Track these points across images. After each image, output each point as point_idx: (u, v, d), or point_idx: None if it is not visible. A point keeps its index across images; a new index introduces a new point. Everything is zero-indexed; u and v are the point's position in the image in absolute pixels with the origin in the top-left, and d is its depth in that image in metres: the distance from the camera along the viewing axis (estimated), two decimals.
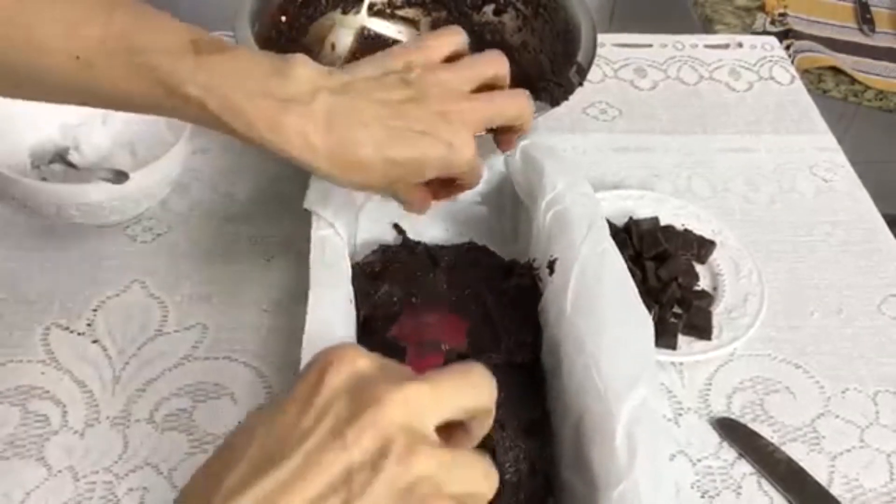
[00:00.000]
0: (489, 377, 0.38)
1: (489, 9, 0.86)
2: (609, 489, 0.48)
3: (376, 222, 0.69)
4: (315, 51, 0.86)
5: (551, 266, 0.61)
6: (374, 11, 0.88)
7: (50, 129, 0.74)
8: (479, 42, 0.87)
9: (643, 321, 0.56)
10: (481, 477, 0.36)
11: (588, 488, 0.50)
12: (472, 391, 0.37)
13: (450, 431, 0.37)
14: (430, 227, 0.71)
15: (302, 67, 0.50)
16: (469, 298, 0.65)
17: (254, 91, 0.49)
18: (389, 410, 0.33)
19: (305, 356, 0.54)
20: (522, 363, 0.61)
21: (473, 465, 0.36)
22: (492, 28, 0.87)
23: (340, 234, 0.62)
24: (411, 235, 0.70)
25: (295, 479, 0.32)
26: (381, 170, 0.51)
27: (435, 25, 0.88)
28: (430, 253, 0.68)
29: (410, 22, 0.89)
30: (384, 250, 0.68)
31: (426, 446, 0.34)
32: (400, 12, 0.88)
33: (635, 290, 0.58)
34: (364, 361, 0.36)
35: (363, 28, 0.89)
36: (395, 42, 0.89)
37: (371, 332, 0.61)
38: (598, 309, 0.56)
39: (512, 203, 0.69)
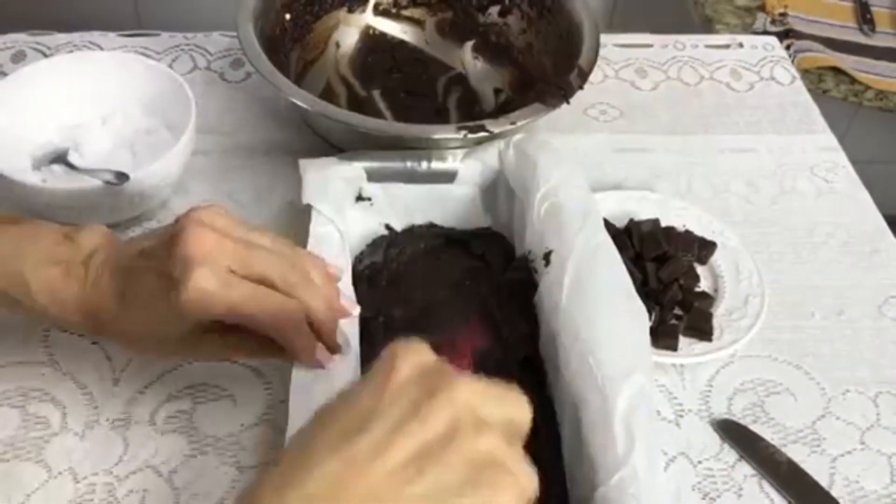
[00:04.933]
0: (526, 399, 0.40)
1: (494, 10, 0.86)
2: (608, 476, 0.49)
3: (370, 217, 0.70)
4: (319, 49, 0.86)
5: (547, 258, 0.61)
6: (379, 10, 0.88)
7: (50, 130, 0.74)
8: (485, 43, 0.87)
9: (638, 311, 0.57)
10: (528, 473, 0.39)
11: (587, 475, 0.51)
12: (515, 403, 0.40)
13: None
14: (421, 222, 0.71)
15: (89, 234, 0.52)
16: (467, 292, 0.66)
17: (39, 259, 0.51)
18: (459, 394, 0.37)
19: None
20: (525, 357, 0.61)
21: (523, 460, 0.39)
22: (497, 29, 0.87)
23: (340, 230, 0.62)
24: None
25: (379, 449, 0.36)
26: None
27: (440, 25, 0.89)
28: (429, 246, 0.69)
29: (416, 22, 0.89)
30: (378, 244, 0.69)
31: (488, 427, 0.38)
32: (405, 12, 0.89)
33: (630, 281, 0.58)
34: (429, 355, 0.40)
35: (368, 27, 0.89)
36: (401, 42, 0.89)
37: (370, 332, 0.61)
38: (593, 300, 0.57)
39: (506, 196, 0.70)
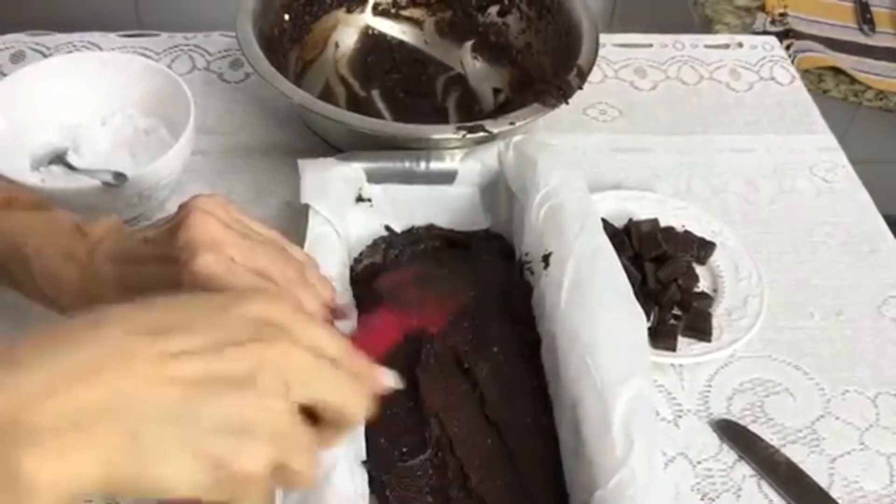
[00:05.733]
0: (365, 399, 0.39)
1: (494, 10, 0.86)
2: (606, 479, 0.49)
3: (370, 218, 0.69)
4: (318, 49, 0.86)
5: (546, 260, 0.61)
6: (378, 11, 0.88)
7: (49, 130, 0.74)
8: (484, 43, 0.87)
9: (636, 315, 0.57)
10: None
11: (586, 478, 0.51)
12: (345, 395, 0.38)
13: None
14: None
15: (98, 225, 0.52)
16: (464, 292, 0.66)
17: (45, 243, 0.51)
18: (279, 355, 0.36)
19: None
20: (529, 356, 0.61)
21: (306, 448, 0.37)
22: (496, 29, 0.87)
23: (338, 231, 0.61)
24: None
25: (162, 358, 0.34)
26: None
27: (439, 26, 0.88)
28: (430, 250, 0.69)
29: (415, 22, 0.89)
30: (378, 245, 0.69)
31: (286, 400, 0.36)
32: (405, 12, 0.88)
33: (629, 285, 0.59)
34: (279, 308, 0.38)
35: (367, 27, 0.88)
36: (400, 42, 0.89)
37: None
38: (592, 303, 0.57)
39: (506, 197, 0.69)
